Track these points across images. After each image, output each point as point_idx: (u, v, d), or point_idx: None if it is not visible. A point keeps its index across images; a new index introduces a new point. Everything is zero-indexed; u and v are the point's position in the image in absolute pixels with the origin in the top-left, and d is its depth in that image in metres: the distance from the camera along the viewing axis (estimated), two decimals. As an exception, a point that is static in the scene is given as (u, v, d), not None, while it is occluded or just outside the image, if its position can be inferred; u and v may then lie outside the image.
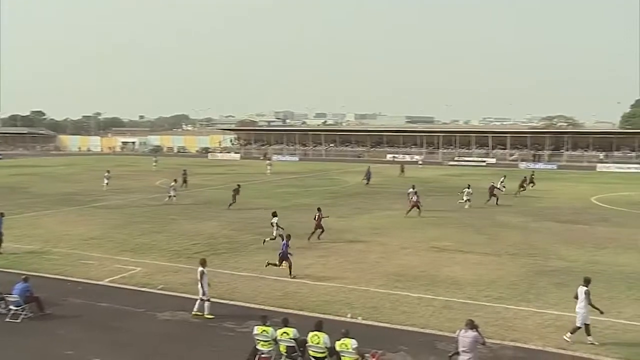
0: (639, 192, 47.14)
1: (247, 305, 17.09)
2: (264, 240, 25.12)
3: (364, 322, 15.68)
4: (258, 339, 12.62)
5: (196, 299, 16.28)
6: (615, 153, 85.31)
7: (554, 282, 19.53)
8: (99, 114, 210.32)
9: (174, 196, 38.94)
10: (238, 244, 25.68)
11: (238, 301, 17.35)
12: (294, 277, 19.76)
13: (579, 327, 14.24)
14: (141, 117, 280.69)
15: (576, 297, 14.62)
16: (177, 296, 18.07)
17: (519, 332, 15.00)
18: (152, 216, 33.39)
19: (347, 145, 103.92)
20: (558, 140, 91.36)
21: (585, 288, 14.47)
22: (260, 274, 20.48)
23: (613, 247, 25.18)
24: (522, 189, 43.24)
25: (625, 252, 24.35)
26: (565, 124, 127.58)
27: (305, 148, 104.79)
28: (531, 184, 45.84)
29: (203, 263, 16.41)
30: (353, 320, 15.73)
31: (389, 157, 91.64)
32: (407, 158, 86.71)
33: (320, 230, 26.51)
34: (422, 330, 15.12)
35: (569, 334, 14.34)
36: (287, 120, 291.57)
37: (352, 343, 11.62)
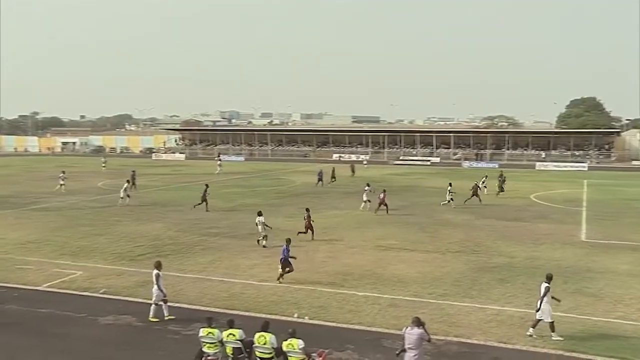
0: (575, 189, 48.92)
1: (193, 307, 16.87)
2: (258, 241, 25.28)
3: (310, 321, 15.71)
4: (204, 342, 12.45)
5: (148, 303, 15.97)
6: (553, 152, 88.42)
7: (496, 278, 20.06)
8: (36, 113, 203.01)
9: (128, 196, 38.20)
10: (183, 246, 25.31)
11: (183, 303, 17.09)
12: (280, 282, 19.26)
13: (552, 322, 14.64)
14: (82, 116, 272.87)
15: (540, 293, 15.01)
16: (121, 300, 17.68)
17: (463, 327, 15.33)
18: (94, 218, 32.52)
19: (293, 145, 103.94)
20: (499, 140, 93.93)
21: (546, 284, 14.88)
22: (206, 276, 20.26)
23: (550, 243, 26.07)
24: (501, 189, 43.66)
25: (562, 247, 25.25)
26: (506, 123, 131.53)
27: (251, 148, 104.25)
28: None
29: (158, 266, 16.15)
30: (300, 320, 15.74)
31: (335, 156, 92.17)
32: (353, 158, 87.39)
33: (312, 231, 26.64)
34: (368, 328, 15.26)
35: (553, 334, 14.60)
36: (233, 120, 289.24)
37: (298, 343, 11.61)
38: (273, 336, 11.93)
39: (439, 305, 17.11)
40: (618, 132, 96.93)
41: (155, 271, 16.00)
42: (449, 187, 37.57)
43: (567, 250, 24.60)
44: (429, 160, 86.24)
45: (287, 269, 19.36)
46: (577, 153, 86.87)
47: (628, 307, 17.01)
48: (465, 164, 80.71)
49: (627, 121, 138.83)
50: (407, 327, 11.88)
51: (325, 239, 26.78)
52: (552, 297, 14.86)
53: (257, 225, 25.65)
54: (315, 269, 21.21)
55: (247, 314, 16.19)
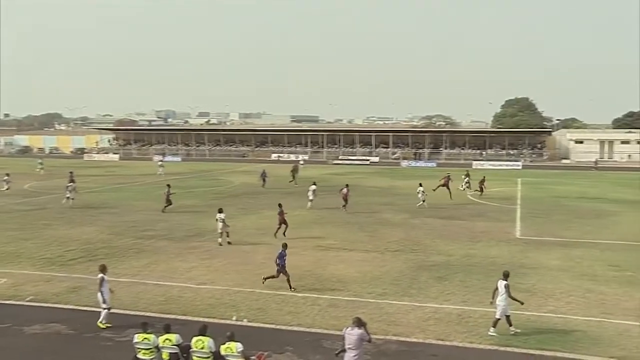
0: (510, 187, 50.54)
1: (127, 312, 16.46)
2: (226, 238, 25.37)
3: (249, 324, 15.62)
4: (139, 348, 12.16)
5: (80, 310, 15.54)
6: (489, 151, 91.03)
7: (434, 277, 20.48)
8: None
9: (72, 198, 37.18)
10: (117, 249, 24.68)
11: (117, 309, 16.59)
12: (294, 290, 18.61)
13: (499, 319, 15.02)
14: (6, 115, 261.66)
15: (496, 291, 15.34)
16: (49, 307, 17.06)
17: (402, 326, 15.59)
18: (21, 222, 31.26)
19: (231, 145, 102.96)
20: (437, 139, 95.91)
21: (505, 282, 15.20)
22: (141, 279, 19.83)
23: (487, 241, 26.84)
24: (481, 189, 43.97)
25: (498, 244, 26.04)
26: (444, 123, 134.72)
27: (188, 148, 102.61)
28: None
29: (103, 269, 15.72)
30: (239, 322, 15.63)
31: (274, 156, 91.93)
32: (292, 157, 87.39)
33: (285, 225, 26.96)
34: (308, 329, 15.30)
35: (492, 329, 15.00)
36: (169, 120, 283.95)
37: (237, 346, 11.51)
38: (211, 340, 11.78)
39: (378, 305, 17.33)
40: (549, 132, 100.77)
41: (100, 275, 15.57)
42: (420, 188, 37.46)
43: (502, 248, 25.38)
44: (368, 160, 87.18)
45: (280, 275, 18.81)
46: (511, 152, 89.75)
47: (558, 301, 17.72)
48: (404, 163, 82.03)
49: (558, 121, 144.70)
50: (347, 327, 11.97)
51: (264, 240, 26.65)
52: (513, 298, 15.20)
53: (217, 221, 25.67)
54: (253, 271, 21.08)
55: (184, 317, 15.94)
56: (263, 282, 19.01)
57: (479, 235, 28.15)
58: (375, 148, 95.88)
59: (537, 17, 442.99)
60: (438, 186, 41.43)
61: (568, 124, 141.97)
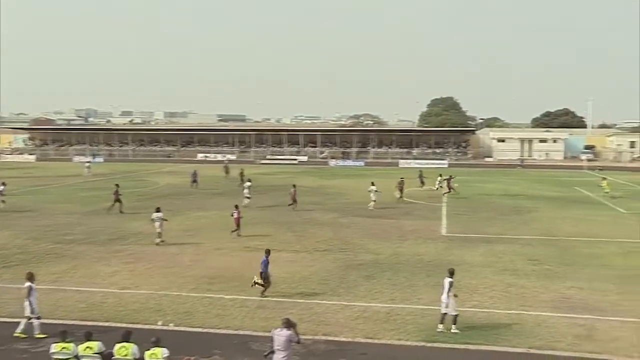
0: (436, 185, 51.82)
1: (45, 321, 15.78)
2: (157, 243, 25.05)
3: (176, 328, 15.37)
4: (57, 358, 11.73)
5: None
6: (415, 150, 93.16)
7: (362, 275, 20.77)
8: None
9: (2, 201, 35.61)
10: (33, 255, 23.68)
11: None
12: (265, 297, 18.16)
13: (457, 315, 15.44)
14: None
15: (443, 288, 15.74)
16: (-42, 318, 16.16)
17: (331, 325, 15.74)
18: None
19: (156, 145, 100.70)
20: (365, 138, 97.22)
21: (450, 279, 15.63)
22: (60, 286, 19.11)
23: (414, 239, 27.46)
24: (450, 189, 44.51)
25: (425, 242, 26.70)
26: (372, 122, 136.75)
27: (110, 148, 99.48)
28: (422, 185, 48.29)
29: (30, 277, 15.06)
30: (164, 327, 15.33)
31: (200, 156, 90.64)
32: (219, 157, 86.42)
33: (238, 227, 27.55)
34: (236, 332, 15.22)
35: (453, 326, 15.32)
36: (90, 119, 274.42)
37: (162, 352, 11.29)
38: (135, 346, 11.51)
39: (308, 305, 17.43)
40: (473, 131, 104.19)
41: (27, 283, 14.91)
42: (372, 187, 37.40)
43: (429, 245, 26.04)
44: (296, 159, 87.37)
45: (265, 282, 18.30)
46: (437, 151, 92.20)
47: (482, 296, 18.37)
48: (332, 162, 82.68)
49: (481, 120, 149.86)
50: (276, 329, 11.97)
51: (191, 241, 26.29)
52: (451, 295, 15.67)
53: (153, 221, 25.49)
54: (180, 273, 20.76)
55: (107, 324, 15.51)
56: (252, 286, 18.50)
57: (407, 233, 28.77)
58: (304, 147, 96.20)
59: (462, 18, 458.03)
60: (400, 188, 41.56)
61: (491, 123, 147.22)
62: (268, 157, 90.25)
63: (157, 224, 25.67)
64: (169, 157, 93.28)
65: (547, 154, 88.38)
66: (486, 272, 21.29)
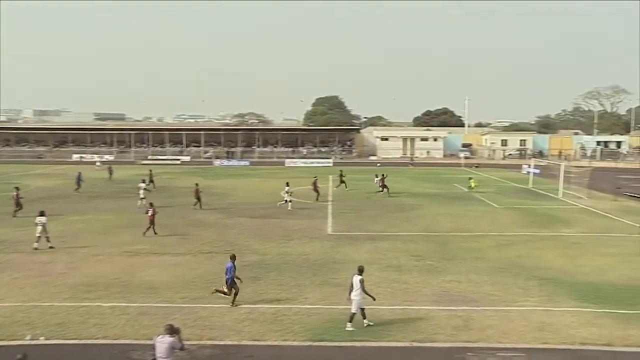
0: (322, 185, 52.52)
1: None
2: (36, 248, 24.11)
3: (47, 342, 14.54)
4: None
5: None
6: (301, 149, 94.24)
7: (248, 277, 20.64)
8: None
9: None
10: None
11: None
12: (236, 305, 17.31)
13: (355, 314, 15.72)
14: None
15: (352, 286, 15.96)
16: None
17: (217, 329, 15.57)
18: None
19: (24, 145, 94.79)
20: (250, 137, 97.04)
21: (360, 277, 15.90)
22: None
23: (300, 238, 27.76)
24: (384, 188, 44.88)
25: (311, 241, 27.06)
26: (256, 121, 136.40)
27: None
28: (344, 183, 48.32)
29: None
30: (34, 342, 14.46)
31: (75, 157, 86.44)
32: (96, 158, 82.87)
33: (152, 225, 27.72)
34: (116, 341, 14.66)
35: (349, 323, 15.63)
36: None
37: (32, 368, 10.66)
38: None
39: (192, 309, 17.14)
40: (358, 130, 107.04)
41: None
42: (286, 188, 37.38)
43: (315, 244, 26.43)
44: (179, 160, 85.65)
45: (234, 290, 17.51)
46: (323, 149, 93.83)
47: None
48: (217, 162, 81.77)
49: (365, 119, 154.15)
50: (158, 336, 11.67)
51: (65, 247, 25.01)
52: (366, 293, 16.00)
53: (36, 225, 24.57)
54: (52, 282, 19.67)
55: (-34, 342, 14.38)
56: (212, 293, 17.96)
57: (293, 232, 29.03)
58: (187, 147, 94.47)
59: (343, 17, 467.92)
60: (314, 188, 41.70)
61: (375, 121, 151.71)
62: (149, 157, 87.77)
63: (39, 228, 24.56)
64: (40, 157, 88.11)
65: (428, 152, 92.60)
66: (371, 269, 21.83)
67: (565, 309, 17.41)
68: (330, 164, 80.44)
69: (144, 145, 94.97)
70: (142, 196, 36.92)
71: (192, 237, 27.64)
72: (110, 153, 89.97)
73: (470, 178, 49.49)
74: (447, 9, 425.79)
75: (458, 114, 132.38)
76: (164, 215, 33.85)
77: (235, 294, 17.63)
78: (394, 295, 18.81)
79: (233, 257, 18.19)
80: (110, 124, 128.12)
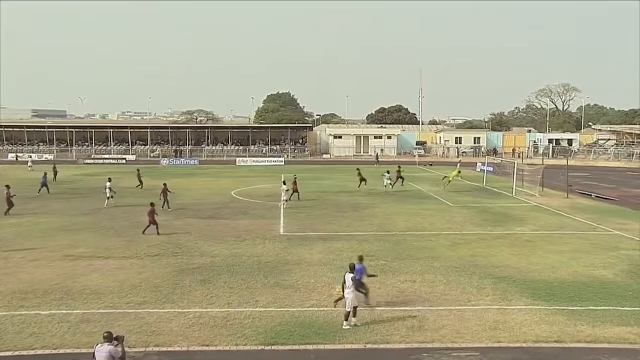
0: (273, 184, 52.54)
1: None
2: None
3: (-22, 355, 14.05)
4: None
5: None
6: (252, 147, 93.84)
7: (198, 280, 20.48)
8: None
9: None
10: None
11: None
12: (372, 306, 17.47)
13: (350, 312, 15.89)
14: None
15: (344, 284, 16.25)
16: None
17: (164, 335, 15.32)
18: None
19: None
20: (199, 135, 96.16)
21: (352, 274, 16.22)
22: None
23: (251, 239, 27.61)
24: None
25: (262, 242, 26.94)
26: (205, 118, 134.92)
27: None
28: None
29: None
30: (-37, 355, 13.96)
31: (10, 156, 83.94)
32: (34, 157, 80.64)
33: (156, 225, 28.33)
34: (55, 351, 14.26)
35: (345, 322, 15.83)
36: None
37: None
38: None
39: (138, 315, 16.83)
40: (311, 127, 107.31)
41: None
42: (284, 186, 38.05)
43: (267, 245, 26.33)
44: (124, 159, 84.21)
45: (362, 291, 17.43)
46: (274, 147, 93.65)
47: (320, 295, 18.94)
48: (164, 161, 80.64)
49: (318, 116, 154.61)
50: (97, 344, 11.42)
51: None
52: (359, 290, 16.47)
53: None
54: (-14, 290, 19.02)
55: None
56: (334, 306, 17.39)
57: (244, 233, 28.85)
58: (132, 146, 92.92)
59: (296, 11, 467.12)
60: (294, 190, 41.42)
61: (328, 119, 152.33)
62: (93, 156, 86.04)
63: None
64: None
65: (382, 150, 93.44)
66: (324, 270, 21.97)
67: (518, 307, 17.82)
68: (282, 163, 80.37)
69: (87, 143, 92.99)
70: (108, 195, 37.51)
71: (138, 240, 27.17)
72: (50, 152, 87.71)
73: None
74: (400, 5, 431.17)
75: (412, 111, 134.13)
76: (108, 217, 33.28)
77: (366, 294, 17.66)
78: (348, 296, 18.86)
79: (360, 259, 18.23)
80: (49, 122, 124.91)
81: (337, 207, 38.12)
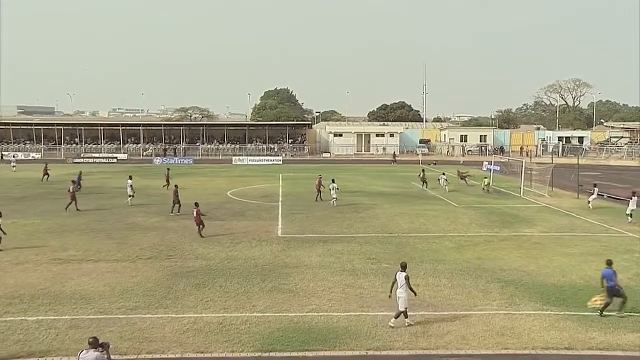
0: (271, 184, 52.63)
1: None
2: None
3: (-41, 365, 14.02)
4: None
5: None
6: (249, 145, 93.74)
7: (192, 284, 20.46)
8: None
9: None
10: None
11: None
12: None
13: (402, 312, 16.24)
14: None
15: (394, 283, 16.67)
16: None
17: (157, 342, 15.30)
18: None
19: None
20: (194, 133, 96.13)
21: (404, 273, 16.49)
22: None
23: (248, 241, 27.59)
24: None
25: (259, 244, 26.93)
26: (200, 115, 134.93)
27: None
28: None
29: None
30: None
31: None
32: (20, 156, 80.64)
33: (202, 225, 28.83)
34: (42, 359, 14.24)
35: (393, 320, 16.25)
36: None
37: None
38: None
39: (130, 320, 16.80)
40: (310, 125, 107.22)
41: None
42: (333, 184, 39.45)
43: (264, 247, 26.31)
44: (115, 157, 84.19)
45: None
46: (272, 146, 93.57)
47: (320, 299, 18.92)
48: (157, 160, 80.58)
49: (318, 113, 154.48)
50: (82, 351, 11.38)
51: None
52: (411, 289, 16.62)
53: None
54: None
55: None
56: (600, 314, 17.40)
57: (240, 235, 28.83)
58: (124, 144, 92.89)
59: (296, 6, 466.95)
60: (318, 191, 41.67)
61: (328, 116, 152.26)
62: (83, 155, 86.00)
63: None
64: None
65: (384, 148, 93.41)
66: (324, 273, 21.96)
67: (527, 312, 17.79)
68: (280, 162, 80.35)
69: (76, 141, 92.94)
70: (130, 193, 39.11)
71: (130, 242, 27.15)
72: (37, 151, 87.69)
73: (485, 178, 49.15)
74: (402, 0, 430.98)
75: (416, 108, 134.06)
76: (98, 219, 33.24)
77: (624, 301, 17.59)
78: (349, 300, 18.84)
79: (609, 262, 18.28)
80: (36, 119, 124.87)
81: (337, 207, 38.09)
